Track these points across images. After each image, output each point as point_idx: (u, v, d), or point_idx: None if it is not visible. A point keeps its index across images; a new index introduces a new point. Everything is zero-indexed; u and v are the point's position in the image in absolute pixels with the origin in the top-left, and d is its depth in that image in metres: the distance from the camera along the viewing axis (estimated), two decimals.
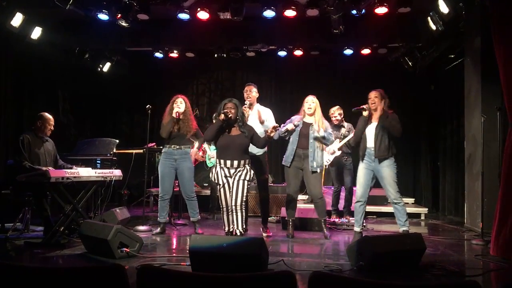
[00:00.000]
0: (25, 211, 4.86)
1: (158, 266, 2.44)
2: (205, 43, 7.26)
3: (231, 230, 4.17)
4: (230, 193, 4.20)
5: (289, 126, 4.65)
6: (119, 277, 1.68)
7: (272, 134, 4.22)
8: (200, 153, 6.37)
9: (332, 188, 6.26)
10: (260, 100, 5.16)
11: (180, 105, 4.90)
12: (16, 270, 1.75)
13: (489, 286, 3.20)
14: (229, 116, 4.25)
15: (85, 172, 4.47)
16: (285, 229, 5.11)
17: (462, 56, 6.20)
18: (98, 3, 5.92)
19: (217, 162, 4.32)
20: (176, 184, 5.33)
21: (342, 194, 6.17)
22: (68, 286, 1.71)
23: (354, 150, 5.59)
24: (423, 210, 6.85)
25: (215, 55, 7.42)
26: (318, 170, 4.77)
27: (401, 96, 7.75)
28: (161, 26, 6.94)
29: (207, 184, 7.32)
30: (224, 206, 4.26)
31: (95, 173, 4.65)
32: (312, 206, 5.11)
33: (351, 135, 5.41)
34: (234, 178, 4.20)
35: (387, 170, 4.43)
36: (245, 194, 4.20)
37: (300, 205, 5.41)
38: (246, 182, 4.22)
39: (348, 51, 7.24)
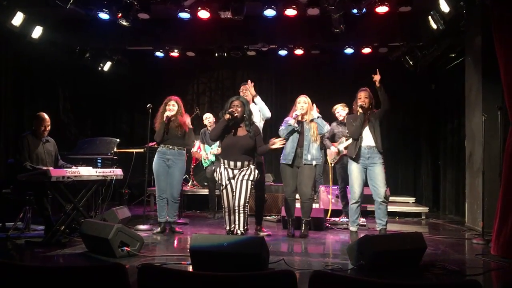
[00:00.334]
0: (26, 210, 4.88)
1: (158, 265, 2.43)
2: (206, 42, 7.25)
3: (232, 229, 4.17)
4: (232, 195, 4.18)
5: (291, 121, 4.68)
6: (120, 276, 1.68)
7: (274, 147, 4.24)
8: (199, 151, 6.36)
9: (333, 187, 6.25)
10: None
11: (172, 107, 4.92)
12: (17, 269, 1.75)
13: (490, 286, 3.20)
14: (235, 115, 4.23)
15: (85, 171, 4.47)
16: (285, 229, 5.11)
17: (462, 55, 6.19)
18: (99, 2, 5.92)
19: (221, 162, 4.31)
20: None
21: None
22: (69, 285, 1.71)
23: None
24: (423, 209, 6.85)
25: (216, 54, 7.41)
26: (314, 163, 4.76)
27: (402, 95, 7.76)
28: (161, 25, 6.94)
29: (207, 184, 7.31)
30: (226, 206, 4.25)
31: (96, 172, 4.65)
32: (313, 205, 5.09)
33: None
34: (238, 179, 4.18)
35: (380, 168, 4.53)
36: (248, 195, 4.18)
37: (299, 205, 5.39)
38: (249, 182, 4.20)
39: (349, 50, 7.23)
